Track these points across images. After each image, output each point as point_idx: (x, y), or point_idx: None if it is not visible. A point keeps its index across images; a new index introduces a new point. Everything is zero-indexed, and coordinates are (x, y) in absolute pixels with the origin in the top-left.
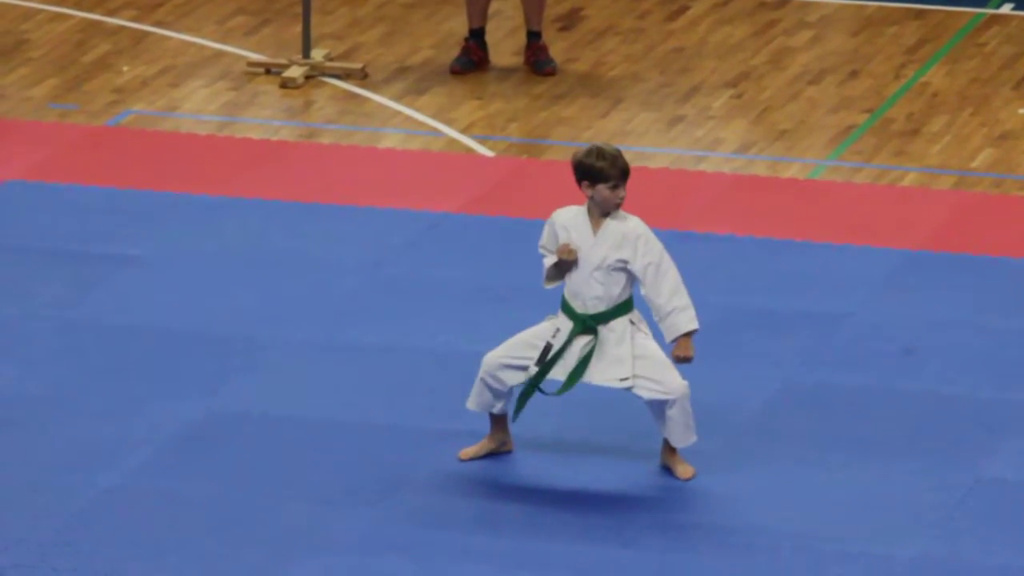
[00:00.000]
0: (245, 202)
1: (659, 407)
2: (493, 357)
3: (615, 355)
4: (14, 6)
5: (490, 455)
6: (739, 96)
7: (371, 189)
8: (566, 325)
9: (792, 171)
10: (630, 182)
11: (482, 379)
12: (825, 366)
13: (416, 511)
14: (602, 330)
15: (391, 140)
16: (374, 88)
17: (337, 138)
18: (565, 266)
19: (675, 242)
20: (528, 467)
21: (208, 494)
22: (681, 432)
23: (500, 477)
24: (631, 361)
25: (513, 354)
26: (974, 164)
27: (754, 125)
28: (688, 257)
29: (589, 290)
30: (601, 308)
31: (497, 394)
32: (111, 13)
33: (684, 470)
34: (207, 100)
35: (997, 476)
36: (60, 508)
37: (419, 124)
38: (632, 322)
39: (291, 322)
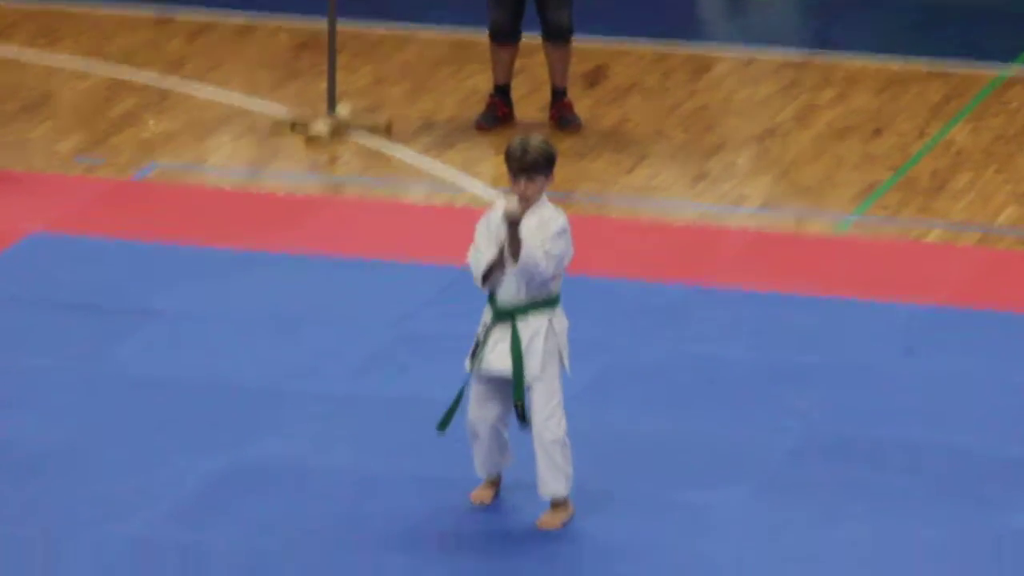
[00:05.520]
0: (270, 256)
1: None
2: (469, 415)
3: (525, 350)
4: (41, 64)
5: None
6: (764, 153)
7: (395, 244)
8: (489, 316)
9: (816, 227)
10: (655, 236)
11: (471, 438)
12: (848, 420)
13: (443, 560)
14: (519, 324)
15: (416, 195)
16: (399, 143)
17: (362, 193)
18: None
19: (699, 298)
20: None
21: (231, 547)
22: (549, 478)
23: (521, 523)
24: (539, 363)
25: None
26: (999, 221)
27: (778, 182)
28: (712, 313)
29: (508, 282)
30: (517, 301)
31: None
32: (138, 68)
33: (546, 519)
34: (233, 155)
35: (1022, 529)
36: (82, 559)
37: (444, 180)
38: (551, 322)
39: (315, 376)
